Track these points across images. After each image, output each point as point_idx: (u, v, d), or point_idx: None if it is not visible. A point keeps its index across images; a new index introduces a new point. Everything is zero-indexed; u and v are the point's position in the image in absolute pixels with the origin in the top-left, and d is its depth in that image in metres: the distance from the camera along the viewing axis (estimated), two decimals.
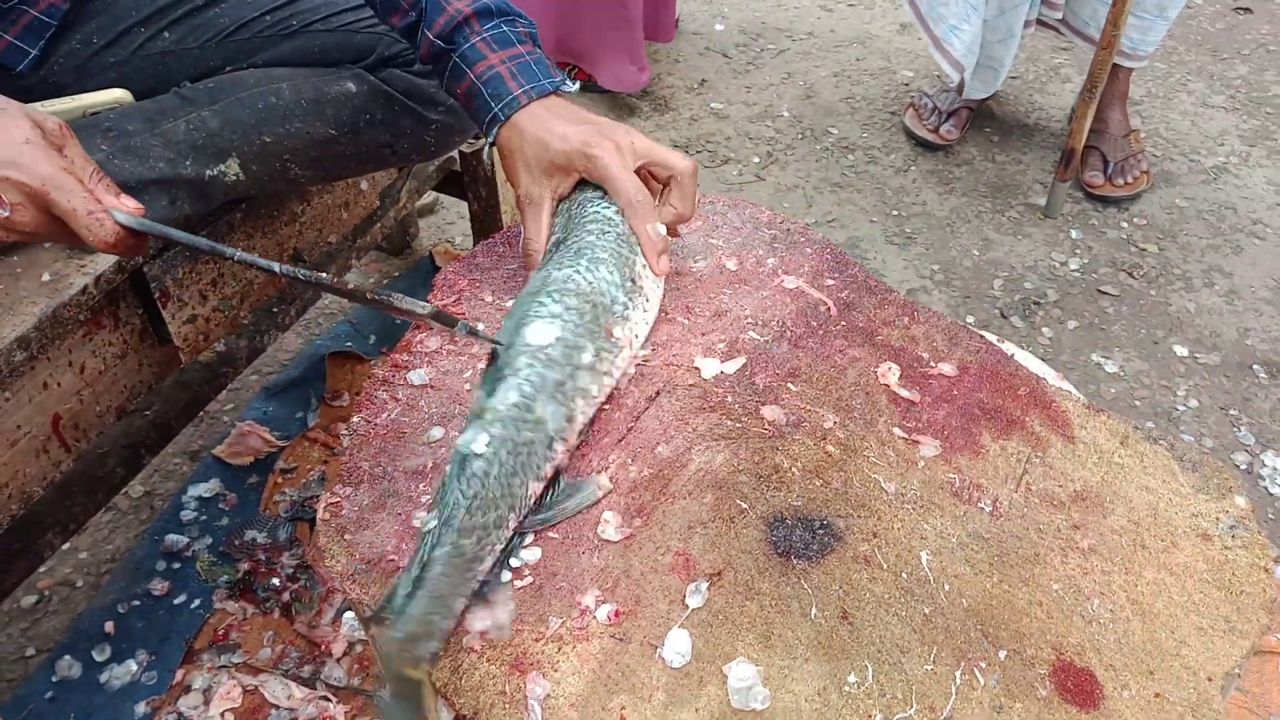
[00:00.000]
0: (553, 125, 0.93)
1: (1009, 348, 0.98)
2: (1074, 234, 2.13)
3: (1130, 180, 2.20)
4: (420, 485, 0.80)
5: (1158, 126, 2.47)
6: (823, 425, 0.85)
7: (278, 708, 1.34)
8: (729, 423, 0.85)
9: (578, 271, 0.87)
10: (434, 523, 0.73)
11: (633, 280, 0.89)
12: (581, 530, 0.78)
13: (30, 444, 1.02)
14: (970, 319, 1.93)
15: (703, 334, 0.93)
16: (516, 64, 0.96)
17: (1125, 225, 2.16)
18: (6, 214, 0.75)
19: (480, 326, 0.87)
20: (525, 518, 0.78)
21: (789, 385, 0.88)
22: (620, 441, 0.84)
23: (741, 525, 0.78)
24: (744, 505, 0.79)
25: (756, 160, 2.35)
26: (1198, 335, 1.91)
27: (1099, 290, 2.00)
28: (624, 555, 0.76)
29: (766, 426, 0.84)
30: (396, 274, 1.97)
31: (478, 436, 0.76)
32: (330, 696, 1.34)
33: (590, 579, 0.75)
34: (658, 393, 0.87)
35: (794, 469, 0.82)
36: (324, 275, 0.77)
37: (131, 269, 1.05)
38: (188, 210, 1.07)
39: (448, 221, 2.14)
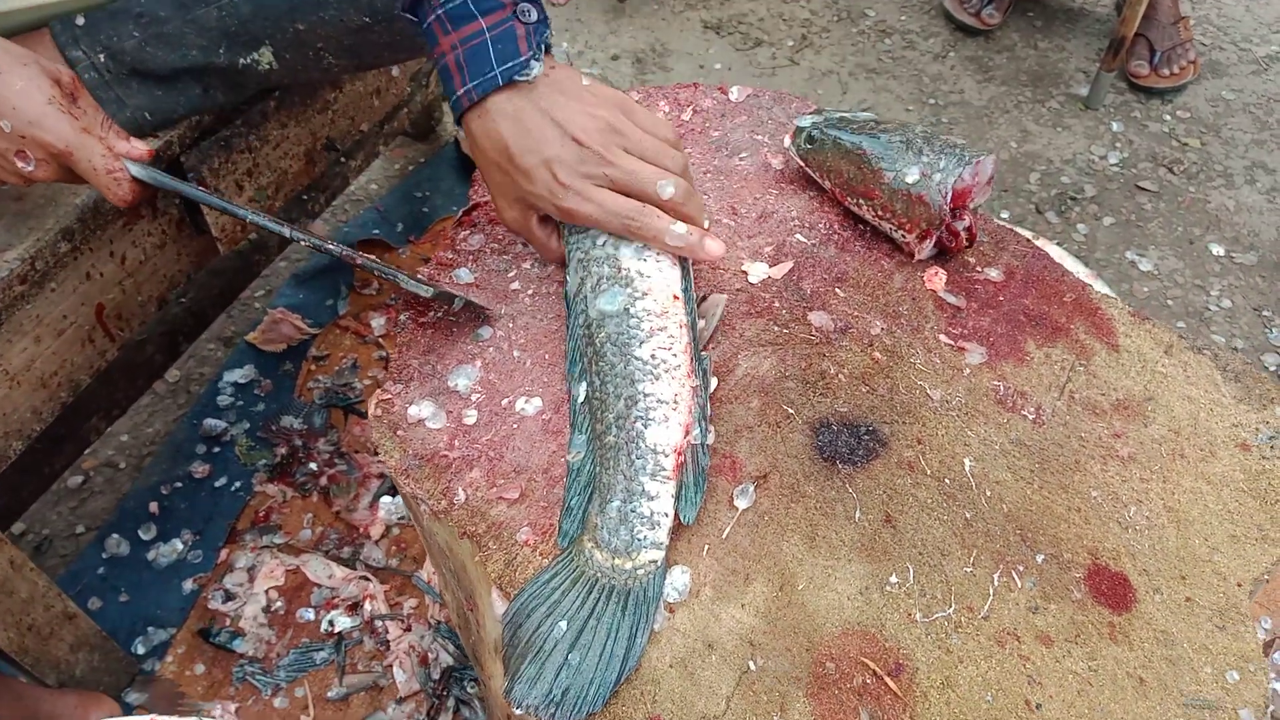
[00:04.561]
0: (500, 150, 0.79)
1: (1043, 244, 0.97)
2: (1115, 127, 2.08)
3: (1177, 71, 2.13)
4: (471, 383, 0.81)
5: (1209, 13, 2.37)
6: (870, 331, 0.85)
7: (320, 586, 1.39)
8: (776, 328, 0.85)
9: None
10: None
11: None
12: None
13: (76, 333, 1.04)
14: (1005, 214, 1.91)
15: (749, 236, 0.92)
16: (467, 49, 0.78)
17: (1168, 118, 2.10)
18: (31, 169, 0.84)
19: (469, 299, 0.85)
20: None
21: (836, 290, 0.88)
22: None
23: (788, 430, 0.79)
24: (790, 410, 0.80)
25: (790, 43, 2.27)
26: (1235, 234, 1.88)
27: (1137, 186, 1.96)
28: None
29: (814, 332, 0.85)
30: (422, 159, 1.95)
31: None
32: (370, 576, 1.39)
33: None
34: (704, 297, 0.87)
35: (840, 375, 0.82)
36: (334, 246, 0.85)
37: (169, 158, 1.04)
38: (221, 100, 1.05)
39: None
